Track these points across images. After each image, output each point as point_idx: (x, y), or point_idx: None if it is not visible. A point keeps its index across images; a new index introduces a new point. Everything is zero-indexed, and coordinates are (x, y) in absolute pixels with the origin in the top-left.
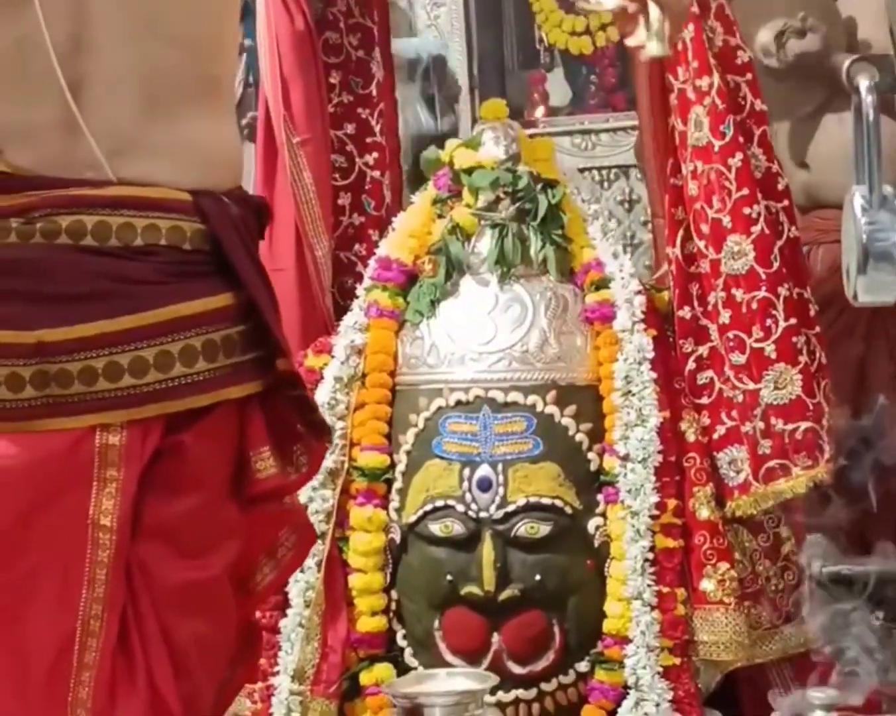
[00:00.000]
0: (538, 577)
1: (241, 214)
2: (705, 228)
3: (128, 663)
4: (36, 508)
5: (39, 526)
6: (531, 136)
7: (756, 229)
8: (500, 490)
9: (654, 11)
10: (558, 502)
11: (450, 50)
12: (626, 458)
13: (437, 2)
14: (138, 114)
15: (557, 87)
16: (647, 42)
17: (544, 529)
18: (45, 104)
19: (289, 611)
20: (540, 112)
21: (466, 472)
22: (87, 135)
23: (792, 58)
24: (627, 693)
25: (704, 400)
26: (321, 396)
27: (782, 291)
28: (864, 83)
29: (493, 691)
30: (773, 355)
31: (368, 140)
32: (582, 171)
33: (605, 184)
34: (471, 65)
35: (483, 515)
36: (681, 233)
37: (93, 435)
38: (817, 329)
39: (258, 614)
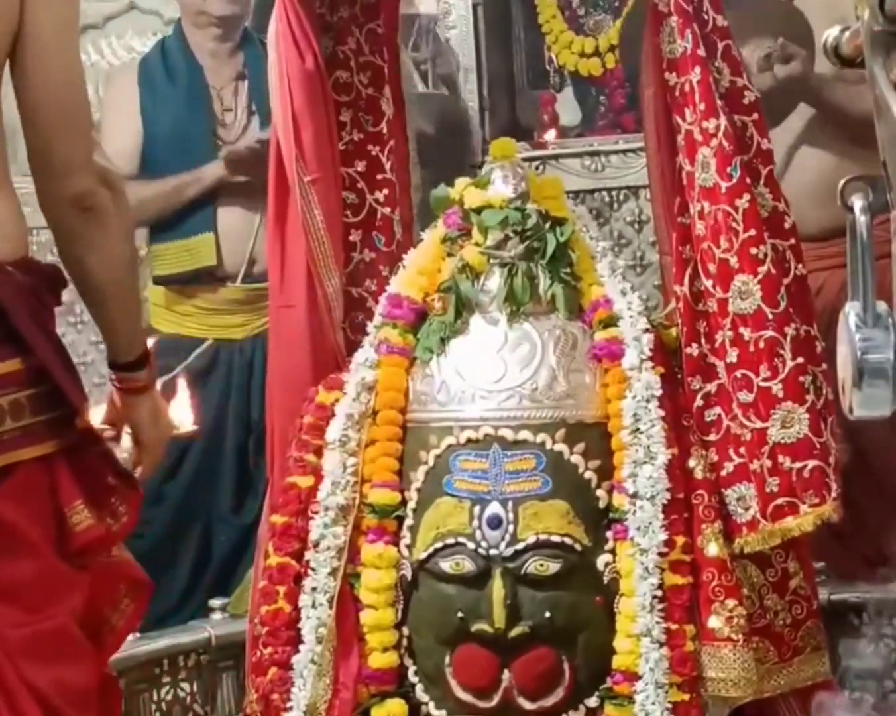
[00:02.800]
0: (548, 614)
1: (30, 282)
2: (713, 268)
3: None
4: None
5: None
6: (542, 157)
7: (763, 269)
8: (510, 528)
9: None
10: (568, 540)
11: (461, 71)
12: (634, 495)
13: (448, 24)
14: None
15: (567, 108)
16: None
17: (554, 566)
18: None
19: (301, 647)
20: (550, 134)
21: (477, 509)
22: None
23: (776, 82)
24: None
25: (712, 437)
26: (332, 432)
27: (789, 330)
28: (858, 204)
29: None
30: (781, 394)
31: (379, 177)
32: (591, 192)
33: (615, 205)
34: (481, 86)
35: (493, 552)
36: (688, 271)
37: None
38: (824, 366)
39: (269, 650)
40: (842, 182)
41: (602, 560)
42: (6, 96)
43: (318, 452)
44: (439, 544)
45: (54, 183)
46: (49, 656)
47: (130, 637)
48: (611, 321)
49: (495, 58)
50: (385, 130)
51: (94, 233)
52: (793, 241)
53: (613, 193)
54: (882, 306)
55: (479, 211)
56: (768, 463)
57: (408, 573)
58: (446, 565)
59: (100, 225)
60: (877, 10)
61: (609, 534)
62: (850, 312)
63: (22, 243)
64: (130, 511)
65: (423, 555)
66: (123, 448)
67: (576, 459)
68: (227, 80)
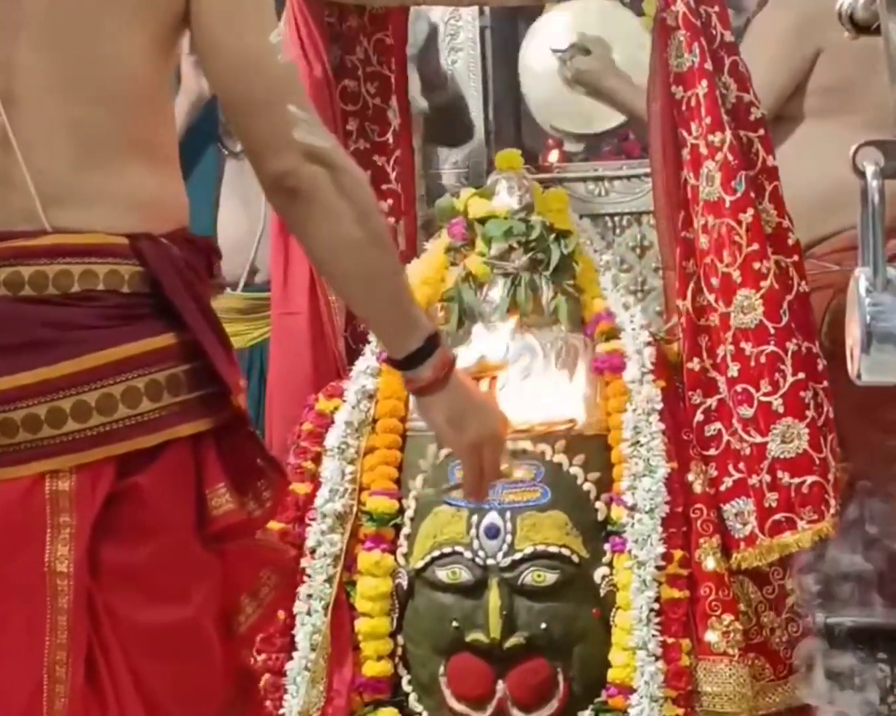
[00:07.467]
0: (544, 625)
1: (184, 255)
2: (715, 282)
3: (100, 707)
4: None
5: None
6: (545, 181)
7: (765, 284)
8: (508, 538)
9: None
10: (565, 551)
11: (467, 95)
12: (633, 508)
13: (455, 47)
14: (70, 165)
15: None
16: None
17: (551, 577)
18: None
19: (295, 654)
20: (554, 157)
21: (474, 519)
22: (30, 185)
23: None
24: None
25: (712, 452)
26: (331, 440)
27: (790, 345)
28: (870, 169)
29: None
30: (781, 410)
31: (384, 187)
32: (594, 216)
33: (618, 230)
34: (487, 109)
35: (490, 562)
36: (691, 286)
37: (42, 482)
38: (825, 383)
39: (263, 656)
40: (853, 147)
41: (599, 572)
42: None
43: (317, 459)
44: (436, 553)
45: (255, 164)
46: (168, 651)
47: None
48: (612, 334)
49: (502, 83)
50: (391, 141)
51: (302, 215)
52: (796, 257)
53: (616, 218)
54: (892, 272)
55: (483, 221)
56: (767, 478)
57: (404, 582)
58: (443, 574)
59: (309, 206)
60: None
61: (607, 546)
62: (861, 277)
63: (178, 216)
64: (276, 496)
65: (420, 564)
66: None
67: (575, 470)
68: None
